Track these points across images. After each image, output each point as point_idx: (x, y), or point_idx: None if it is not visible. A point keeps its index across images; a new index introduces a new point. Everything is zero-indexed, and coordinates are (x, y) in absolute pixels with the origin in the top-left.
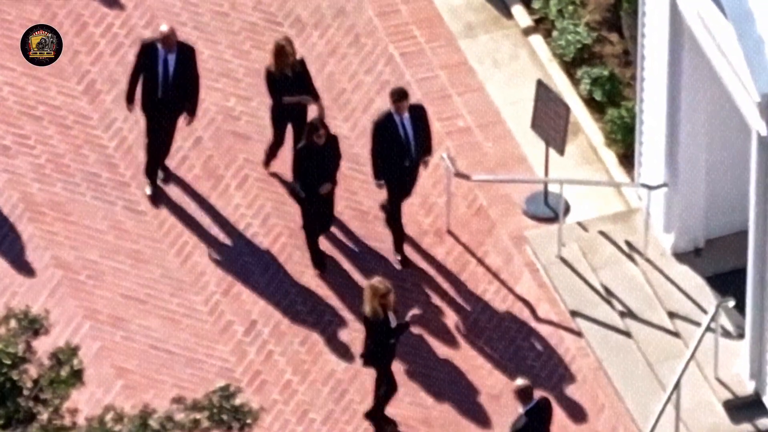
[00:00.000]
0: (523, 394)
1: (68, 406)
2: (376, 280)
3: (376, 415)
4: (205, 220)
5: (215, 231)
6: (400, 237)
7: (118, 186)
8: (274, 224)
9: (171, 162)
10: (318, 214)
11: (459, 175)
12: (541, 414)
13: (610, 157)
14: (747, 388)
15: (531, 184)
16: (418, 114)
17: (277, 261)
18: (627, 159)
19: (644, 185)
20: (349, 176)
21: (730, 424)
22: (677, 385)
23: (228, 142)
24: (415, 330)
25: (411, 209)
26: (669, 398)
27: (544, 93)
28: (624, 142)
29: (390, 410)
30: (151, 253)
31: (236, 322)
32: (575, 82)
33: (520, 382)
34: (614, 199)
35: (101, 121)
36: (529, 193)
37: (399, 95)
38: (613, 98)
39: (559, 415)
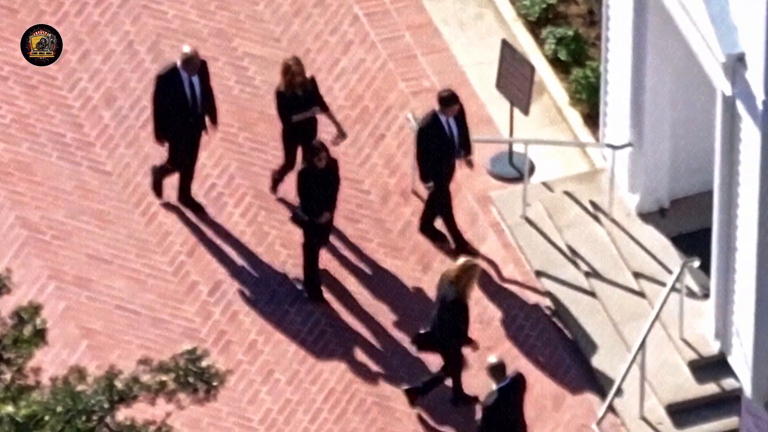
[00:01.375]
0: (495, 371)
1: (32, 366)
2: (472, 260)
3: (460, 394)
4: (169, 181)
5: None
6: (454, 231)
7: (83, 146)
8: (239, 184)
9: (136, 122)
10: (319, 239)
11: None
12: (514, 390)
13: (574, 116)
14: (712, 348)
15: (496, 144)
16: (460, 112)
17: (242, 221)
18: (592, 119)
19: (609, 145)
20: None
21: (695, 384)
22: (642, 346)
23: None
24: (377, 292)
25: (376, 170)
26: (634, 358)
27: (508, 53)
28: (589, 102)
29: (354, 370)
30: (117, 213)
31: (201, 283)
32: (540, 42)
33: (492, 359)
34: (579, 159)
35: (66, 81)
36: (494, 153)
37: (449, 100)
38: (577, 58)
39: (521, 372)
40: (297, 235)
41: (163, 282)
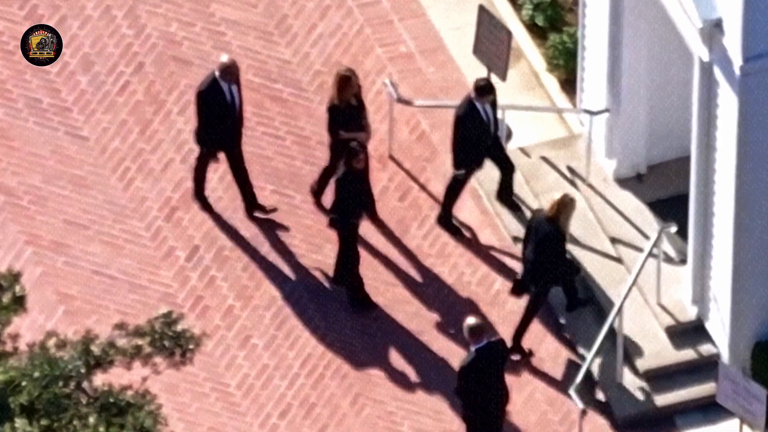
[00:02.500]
0: (473, 332)
1: (9, 332)
2: (569, 195)
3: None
4: (147, 146)
5: (157, 156)
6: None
7: (60, 111)
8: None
9: (113, 88)
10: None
11: (401, 100)
12: (492, 354)
13: (552, 82)
14: (689, 313)
15: None
16: (493, 100)
17: (219, 187)
18: (569, 84)
19: (586, 111)
20: (290, 102)
21: (673, 349)
22: (619, 311)
23: (170, 67)
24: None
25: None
26: (611, 324)
27: (486, 18)
28: (566, 67)
29: (332, 335)
30: (94, 178)
31: (178, 248)
32: (517, 7)
33: (471, 321)
34: (556, 125)
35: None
36: None
37: (485, 90)
38: (555, 23)
39: (499, 340)
40: (273, 200)
41: (140, 247)
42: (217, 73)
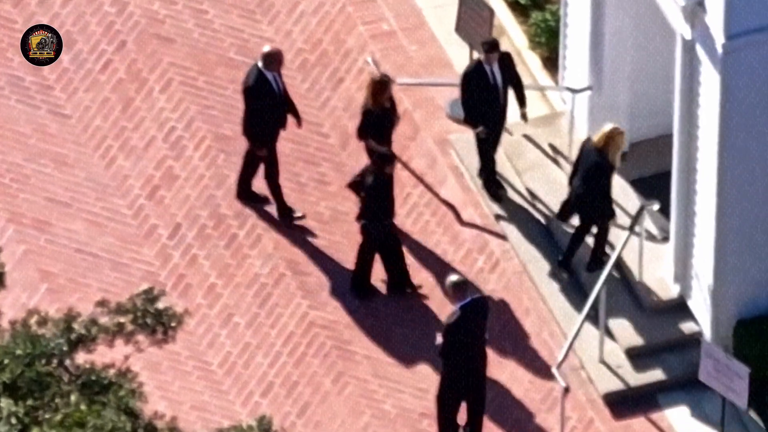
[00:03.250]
0: (456, 290)
1: None
2: (618, 127)
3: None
4: (129, 124)
5: (139, 134)
6: (490, 170)
7: (42, 90)
8: (198, 128)
9: (95, 66)
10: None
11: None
12: (476, 311)
13: (534, 60)
14: (671, 291)
15: (455, 88)
16: (507, 62)
17: (201, 165)
18: (551, 62)
19: (568, 88)
20: None
21: (655, 327)
22: (602, 289)
23: (152, 45)
24: (337, 236)
25: (335, 113)
26: (593, 302)
27: None
28: (548, 45)
29: (314, 314)
30: (76, 156)
31: (160, 226)
32: None
33: (453, 278)
34: (538, 103)
35: (26, 24)
36: (454, 97)
37: (490, 46)
38: (537, 1)
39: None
40: (256, 178)
41: (122, 225)
42: (260, 64)
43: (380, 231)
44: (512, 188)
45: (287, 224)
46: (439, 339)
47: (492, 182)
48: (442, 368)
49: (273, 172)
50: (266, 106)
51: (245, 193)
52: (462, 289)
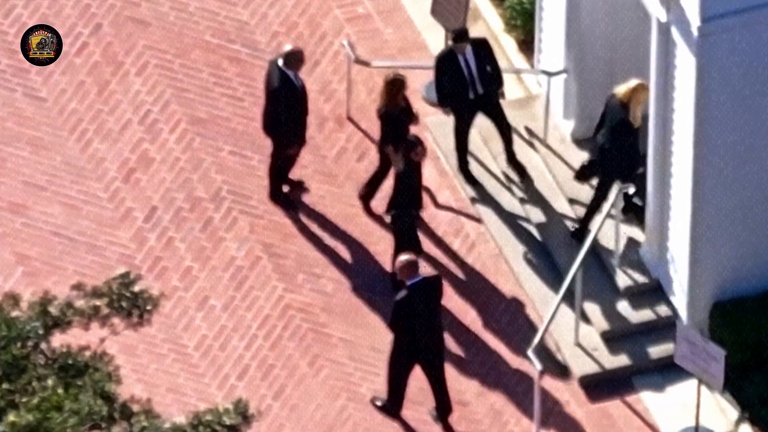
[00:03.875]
0: (406, 268)
1: None
2: (643, 82)
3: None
4: (104, 107)
5: (115, 117)
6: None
7: (18, 73)
8: (174, 111)
9: (71, 49)
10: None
11: (359, 61)
12: (427, 290)
13: (509, 43)
14: (647, 274)
15: (431, 71)
16: (481, 48)
17: (177, 148)
18: (527, 45)
19: (544, 72)
20: (248, 63)
21: (631, 310)
22: (577, 272)
23: (128, 28)
24: (313, 219)
25: (311, 96)
26: (569, 285)
27: None
28: (524, 28)
29: (290, 297)
30: (51, 140)
31: (136, 209)
32: None
33: (403, 257)
34: (514, 86)
35: (1, 7)
36: (429, 80)
37: (457, 36)
38: None
39: (458, 301)
40: (231, 161)
41: (98, 208)
42: (280, 62)
43: (408, 221)
44: (488, 171)
45: (281, 205)
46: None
47: (464, 165)
48: (393, 341)
49: (288, 166)
50: (291, 105)
51: (280, 194)
52: (411, 268)
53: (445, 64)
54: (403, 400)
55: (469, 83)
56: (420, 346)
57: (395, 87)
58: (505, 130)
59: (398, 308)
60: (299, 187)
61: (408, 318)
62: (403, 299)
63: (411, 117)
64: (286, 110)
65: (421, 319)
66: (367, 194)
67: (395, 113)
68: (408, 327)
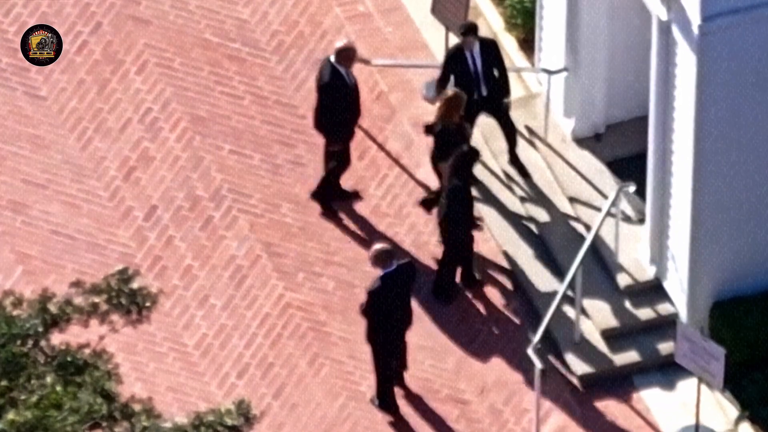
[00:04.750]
0: (379, 258)
1: None
2: None
3: None
4: (104, 105)
5: (115, 116)
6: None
7: (18, 71)
8: (174, 109)
9: (71, 47)
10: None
11: (359, 60)
12: (401, 277)
13: (510, 41)
14: (647, 273)
15: (431, 70)
16: (490, 49)
17: (177, 146)
18: (527, 43)
19: (545, 70)
20: (248, 61)
21: (631, 309)
22: (577, 271)
23: (128, 27)
24: (313, 217)
25: (312, 95)
26: (569, 283)
27: None
28: (524, 26)
29: (290, 295)
30: (52, 138)
31: (136, 208)
32: None
33: (378, 246)
34: (515, 84)
35: (1, 6)
36: (430, 79)
37: (465, 30)
38: None
39: (459, 300)
40: (231, 160)
41: (98, 207)
42: (332, 59)
43: (460, 234)
44: (489, 170)
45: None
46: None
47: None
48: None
49: (340, 169)
50: (340, 101)
51: (337, 193)
52: (386, 258)
53: (453, 62)
54: (394, 387)
55: (474, 83)
56: (392, 325)
57: (457, 103)
58: (510, 132)
59: (372, 298)
60: (355, 196)
61: (380, 306)
62: (377, 290)
63: (464, 134)
64: (331, 105)
65: (393, 307)
66: (431, 201)
67: (452, 129)
68: (379, 314)
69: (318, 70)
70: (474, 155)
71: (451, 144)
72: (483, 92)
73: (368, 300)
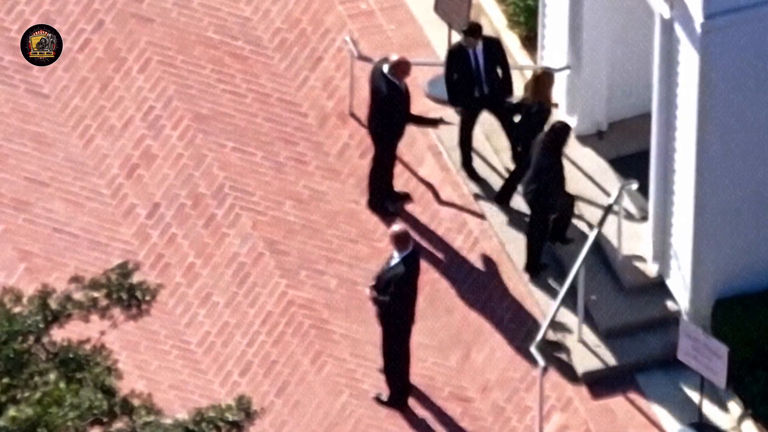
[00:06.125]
0: (399, 240)
1: None
2: None
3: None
4: (107, 103)
5: (118, 114)
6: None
7: (20, 69)
8: (177, 107)
9: (74, 45)
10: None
11: (362, 58)
12: (414, 264)
13: (512, 39)
14: (650, 271)
15: (434, 67)
16: (493, 48)
17: (179, 144)
18: (530, 41)
19: (547, 68)
20: (251, 59)
21: (633, 307)
22: (580, 268)
23: (130, 25)
24: (315, 215)
25: (314, 92)
26: (572, 281)
27: None
28: (527, 24)
29: (292, 293)
30: (54, 136)
31: (139, 206)
32: None
33: (396, 228)
34: (517, 82)
35: (3, 3)
36: (432, 76)
37: (468, 31)
38: None
39: (461, 297)
40: (234, 158)
41: (101, 205)
42: (385, 70)
43: (550, 212)
44: (491, 167)
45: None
46: (370, 293)
47: (467, 161)
48: (387, 324)
49: (391, 169)
50: (398, 111)
51: (389, 195)
52: (406, 239)
53: (455, 59)
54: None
55: (476, 81)
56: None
57: (549, 80)
58: (511, 130)
59: (401, 284)
60: (406, 198)
61: (406, 292)
62: (404, 273)
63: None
64: (393, 115)
65: (412, 293)
66: (506, 196)
67: (547, 107)
68: (409, 299)
69: (370, 80)
70: (568, 130)
71: (534, 122)
72: (485, 90)
73: (397, 284)
